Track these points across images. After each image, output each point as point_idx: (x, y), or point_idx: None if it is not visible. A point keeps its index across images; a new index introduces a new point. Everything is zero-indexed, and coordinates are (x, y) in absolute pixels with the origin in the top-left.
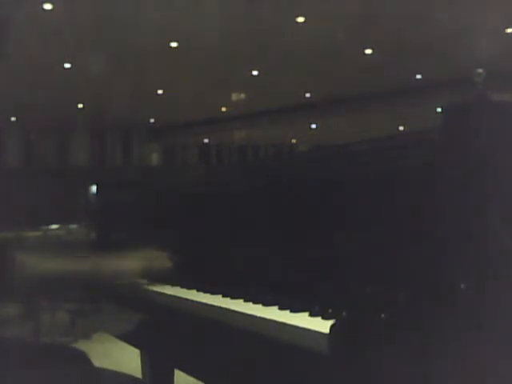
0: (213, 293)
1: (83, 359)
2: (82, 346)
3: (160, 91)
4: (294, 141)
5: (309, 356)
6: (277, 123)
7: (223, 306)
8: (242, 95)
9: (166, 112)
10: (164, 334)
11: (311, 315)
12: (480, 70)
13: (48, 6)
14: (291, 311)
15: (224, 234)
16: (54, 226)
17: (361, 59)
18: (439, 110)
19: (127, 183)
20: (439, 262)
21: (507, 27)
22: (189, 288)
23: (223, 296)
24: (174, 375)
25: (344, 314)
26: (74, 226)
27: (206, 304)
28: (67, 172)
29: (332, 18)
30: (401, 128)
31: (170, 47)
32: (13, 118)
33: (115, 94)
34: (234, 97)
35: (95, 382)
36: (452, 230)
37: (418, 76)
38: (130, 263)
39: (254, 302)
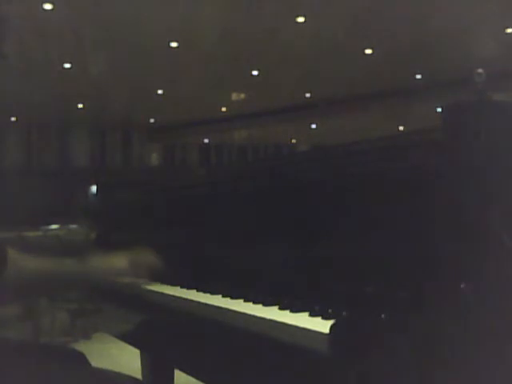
0: (213, 293)
1: (81, 360)
2: (82, 346)
3: (160, 91)
4: (294, 141)
5: (309, 356)
6: (277, 123)
7: (223, 306)
8: (242, 95)
9: (166, 112)
10: (164, 334)
11: (311, 315)
12: (480, 70)
13: (48, 6)
14: (291, 311)
15: (224, 234)
16: (54, 226)
17: (361, 59)
18: (439, 109)
19: (127, 183)
20: (439, 261)
21: (507, 27)
22: (189, 288)
23: (223, 296)
24: (174, 375)
25: (344, 313)
26: (73, 226)
27: (206, 304)
28: (67, 172)
29: (332, 17)
30: (401, 128)
31: (170, 47)
32: (13, 118)
33: (115, 94)
34: (234, 97)
35: (92, 383)
36: (452, 230)
37: (418, 76)
38: (120, 263)
39: (254, 302)
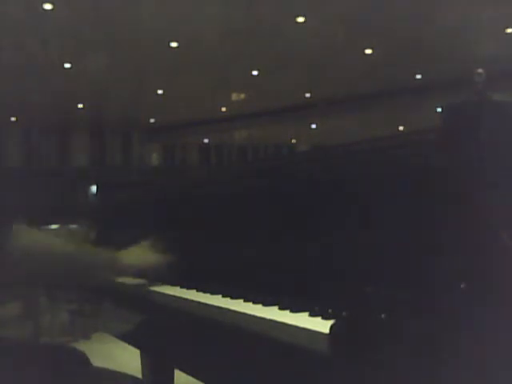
0: (213, 293)
1: (82, 359)
2: (82, 346)
3: (160, 91)
4: (294, 141)
5: (309, 356)
6: (277, 123)
7: (223, 306)
8: (242, 95)
9: (166, 112)
10: (164, 334)
11: (311, 315)
12: (480, 70)
13: (48, 6)
14: (291, 311)
15: (224, 234)
16: (54, 226)
17: (361, 59)
18: (439, 109)
19: (127, 183)
20: (439, 261)
21: (507, 27)
22: (189, 288)
23: (223, 296)
24: (174, 375)
25: (344, 313)
26: (73, 226)
27: (206, 304)
28: (67, 172)
29: (332, 17)
30: (401, 128)
31: (170, 47)
32: (13, 118)
33: (115, 94)
34: (234, 97)
35: (94, 382)
36: (452, 230)
37: (418, 76)
38: (120, 263)
39: (254, 302)
